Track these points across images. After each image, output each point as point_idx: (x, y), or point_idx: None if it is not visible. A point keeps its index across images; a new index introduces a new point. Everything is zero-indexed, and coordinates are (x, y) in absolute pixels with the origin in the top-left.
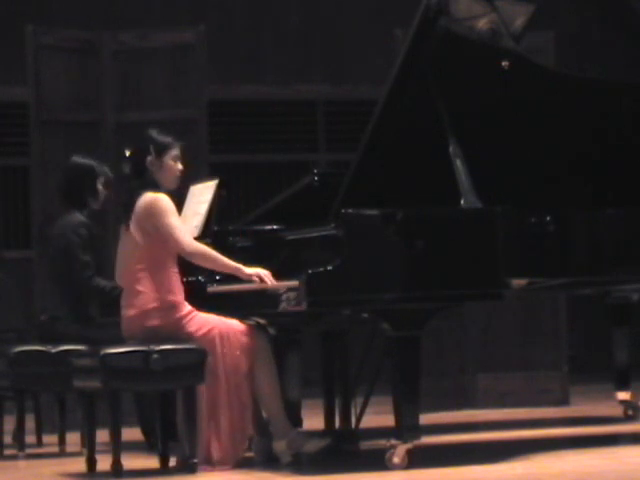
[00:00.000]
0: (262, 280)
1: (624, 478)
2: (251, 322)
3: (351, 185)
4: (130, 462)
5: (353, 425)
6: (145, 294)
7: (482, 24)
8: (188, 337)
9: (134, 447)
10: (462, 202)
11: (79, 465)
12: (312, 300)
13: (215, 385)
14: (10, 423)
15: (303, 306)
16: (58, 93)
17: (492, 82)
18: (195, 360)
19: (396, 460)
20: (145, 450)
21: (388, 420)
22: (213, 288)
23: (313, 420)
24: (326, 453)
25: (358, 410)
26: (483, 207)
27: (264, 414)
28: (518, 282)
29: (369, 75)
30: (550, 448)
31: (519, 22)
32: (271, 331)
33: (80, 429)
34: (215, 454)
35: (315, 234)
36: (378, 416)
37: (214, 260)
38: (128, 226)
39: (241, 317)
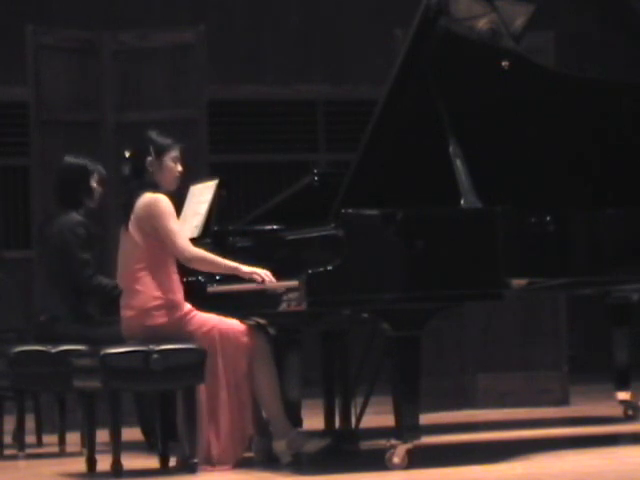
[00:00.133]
0: (262, 279)
1: (624, 478)
2: (251, 322)
3: (351, 185)
4: (130, 462)
5: (353, 425)
6: (145, 293)
7: (482, 24)
8: (188, 336)
9: (134, 447)
10: (462, 202)
11: (79, 465)
12: (312, 300)
13: (215, 385)
14: (10, 423)
15: (303, 306)
16: (58, 93)
17: (492, 82)
18: (195, 360)
19: (396, 460)
20: (145, 450)
21: (388, 420)
22: (213, 288)
23: (313, 420)
24: (326, 453)
25: (358, 410)
26: (483, 207)
27: (264, 414)
28: (518, 282)
29: (369, 75)
30: (550, 448)
31: (519, 22)
32: (271, 331)
33: (80, 429)
34: (215, 454)
35: (315, 234)
36: (378, 416)
37: (212, 263)
38: (127, 226)
39: (241, 317)
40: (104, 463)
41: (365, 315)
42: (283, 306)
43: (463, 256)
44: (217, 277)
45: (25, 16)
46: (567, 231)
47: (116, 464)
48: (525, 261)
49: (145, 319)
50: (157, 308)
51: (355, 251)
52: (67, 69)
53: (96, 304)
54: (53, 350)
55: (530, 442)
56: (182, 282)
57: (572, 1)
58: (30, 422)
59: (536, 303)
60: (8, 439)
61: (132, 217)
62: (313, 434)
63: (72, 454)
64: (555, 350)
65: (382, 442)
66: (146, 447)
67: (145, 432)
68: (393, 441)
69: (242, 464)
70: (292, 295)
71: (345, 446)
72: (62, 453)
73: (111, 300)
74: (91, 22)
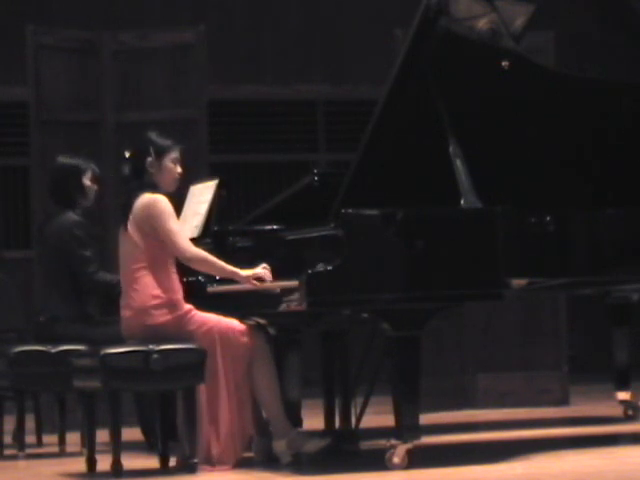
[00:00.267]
0: (260, 279)
1: (624, 478)
2: (251, 322)
3: (351, 185)
4: (130, 462)
5: (353, 425)
6: (144, 293)
7: (482, 24)
8: (188, 335)
9: (134, 447)
10: (462, 202)
11: (79, 465)
12: (312, 300)
13: (214, 384)
14: (10, 423)
15: (303, 306)
16: (58, 93)
17: (492, 82)
18: (195, 360)
19: (396, 460)
20: (145, 450)
21: (388, 420)
22: (213, 288)
23: (313, 420)
24: (326, 453)
25: (358, 410)
26: (483, 207)
27: (264, 414)
28: (518, 282)
29: (369, 75)
30: (550, 448)
31: (519, 22)
32: (271, 331)
33: (80, 429)
34: (215, 454)
35: (315, 234)
36: (378, 416)
37: (212, 264)
38: (126, 227)
39: (241, 317)
40: (104, 463)
41: (365, 315)
42: (283, 306)
43: (463, 256)
44: (217, 277)
45: (25, 16)
46: (567, 231)
47: (116, 464)
48: (525, 261)
49: (145, 318)
50: (157, 307)
51: (355, 251)
52: (67, 69)
53: (96, 304)
54: (53, 350)
55: (530, 442)
56: (182, 282)
57: (572, 1)
58: (30, 422)
59: (536, 303)
60: (8, 439)
61: (131, 217)
62: (313, 434)
63: (72, 454)
64: (555, 350)
65: (382, 442)
66: (146, 447)
67: (145, 432)
68: (393, 441)
69: (242, 464)
70: (292, 295)
71: (345, 446)
72: (62, 453)
73: (111, 300)
74: (91, 22)
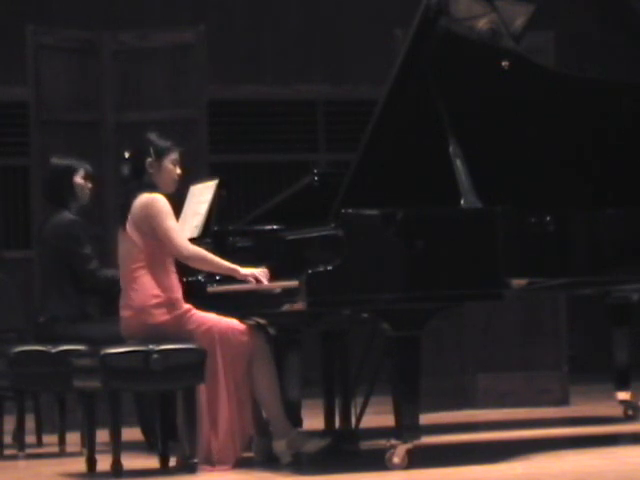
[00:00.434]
0: (258, 280)
1: (624, 478)
2: (251, 322)
3: (351, 185)
4: (130, 462)
5: (353, 425)
6: (143, 292)
7: (482, 24)
8: (188, 334)
9: (134, 447)
10: (462, 202)
11: (79, 465)
12: (312, 300)
13: (214, 384)
14: (10, 423)
15: (303, 306)
16: (58, 93)
17: (492, 82)
18: (195, 360)
19: (396, 460)
20: (145, 450)
21: (388, 420)
22: (213, 288)
23: (313, 420)
24: (326, 453)
25: (358, 410)
26: (483, 207)
27: (264, 414)
28: (518, 282)
29: (369, 75)
30: (550, 448)
31: (519, 22)
32: (271, 331)
33: (80, 429)
34: (215, 454)
35: (315, 234)
36: (378, 416)
37: (211, 262)
38: (125, 227)
39: (241, 317)
40: (104, 463)
41: (365, 315)
42: (285, 306)
43: (463, 256)
44: (217, 277)
45: (25, 16)
46: (567, 231)
47: (116, 464)
48: (525, 261)
49: (144, 318)
50: (156, 306)
51: (355, 251)
52: (67, 69)
53: (96, 303)
54: (53, 350)
55: (530, 442)
56: (182, 282)
57: (572, 1)
58: (30, 422)
59: (536, 303)
60: (8, 439)
61: (129, 217)
62: (313, 434)
63: (72, 454)
64: (555, 350)
65: (382, 442)
66: (146, 447)
67: (145, 432)
68: (393, 441)
69: (242, 464)
70: (292, 295)
71: (345, 446)
72: (62, 453)
73: (111, 299)
74: (91, 22)
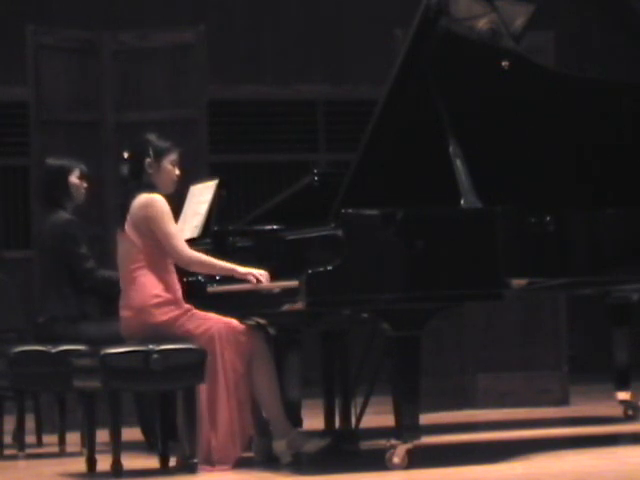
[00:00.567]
0: (257, 279)
1: (624, 478)
2: (250, 322)
3: (351, 185)
4: (130, 462)
5: (353, 425)
6: (143, 292)
7: (482, 24)
8: (187, 334)
9: (134, 447)
10: (462, 202)
11: (79, 465)
12: (312, 300)
13: (214, 384)
14: (10, 423)
15: (303, 306)
16: (58, 93)
17: (492, 82)
18: (195, 360)
19: (396, 460)
20: (145, 450)
21: (388, 420)
22: (213, 288)
23: (313, 420)
24: (326, 453)
25: (358, 410)
26: (483, 207)
27: (264, 414)
28: (518, 282)
29: (369, 75)
30: (550, 448)
31: (519, 22)
32: (271, 331)
33: (80, 429)
34: (215, 454)
35: (315, 234)
36: (378, 416)
37: (210, 265)
38: (123, 227)
39: (241, 317)
40: (104, 463)
41: (365, 315)
42: (283, 306)
43: (463, 256)
44: (217, 277)
45: (25, 16)
46: (567, 231)
47: (116, 464)
48: (525, 261)
49: (144, 317)
50: (156, 306)
51: (355, 251)
52: (67, 69)
53: (95, 304)
54: (53, 350)
55: (530, 442)
56: (182, 282)
57: (572, 1)
58: (30, 422)
59: (536, 303)
60: (8, 439)
61: (128, 218)
62: (313, 434)
63: (72, 454)
64: (555, 350)
65: (382, 442)
66: (146, 447)
67: (145, 432)
68: (393, 441)
69: (242, 464)
70: (292, 295)
71: (345, 446)
72: (62, 453)
73: (111, 299)
74: (91, 22)
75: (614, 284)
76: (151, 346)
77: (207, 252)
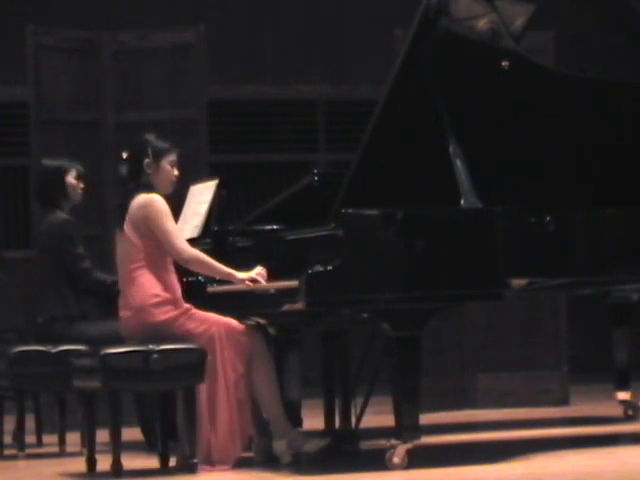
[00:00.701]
0: (255, 283)
1: (624, 478)
2: (250, 322)
3: (351, 185)
4: (130, 462)
5: (353, 425)
6: (143, 292)
7: (482, 24)
8: (187, 334)
9: (134, 447)
10: (462, 202)
11: (79, 465)
12: (312, 300)
13: (214, 384)
14: (10, 423)
15: (303, 306)
16: (58, 93)
17: (492, 82)
18: (195, 360)
19: (396, 460)
20: (145, 450)
21: (388, 420)
22: (213, 288)
23: (313, 420)
24: (326, 453)
25: (358, 410)
26: (483, 207)
27: (264, 414)
28: (518, 282)
29: (369, 75)
30: (550, 448)
31: (519, 22)
32: (271, 331)
33: (80, 429)
34: (215, 454)
35: (315, 234)
36: (378, 416)
37: (209, 266)
38: (122, 228)
39: (240, 317)
40: (104, 463)
41: (365, 315)
42: (283, 306)
43: (463, 256)
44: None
45: (25, 16)
46: (567, 231)
47: (116, 464)
48: (525, 261)
49: (144, 317)
50: (156, 306)
51: (355, 251)
52: (67, 69)
53: (95, 304)
54: (53, 350)
55: (530, 442)
56: (181, 282)
57: (572, 1)
58: (30, 422)
59: (536, 303)
60: (8, 439)
61: (127, 218)
62: (313, 434)
63: (72, 454)
64: (555, 350)
65: (382, 442)
66: (146, 447)
67: (145, 432)
68: (393, 441)
69: (242, 464)
70: (292, 295)
71: (345, 446)
72: (62, 453)
73: (110, 300)
74: (91, 22)
75: (614, 284)
76: (151, 346)
77: (207, 252)
